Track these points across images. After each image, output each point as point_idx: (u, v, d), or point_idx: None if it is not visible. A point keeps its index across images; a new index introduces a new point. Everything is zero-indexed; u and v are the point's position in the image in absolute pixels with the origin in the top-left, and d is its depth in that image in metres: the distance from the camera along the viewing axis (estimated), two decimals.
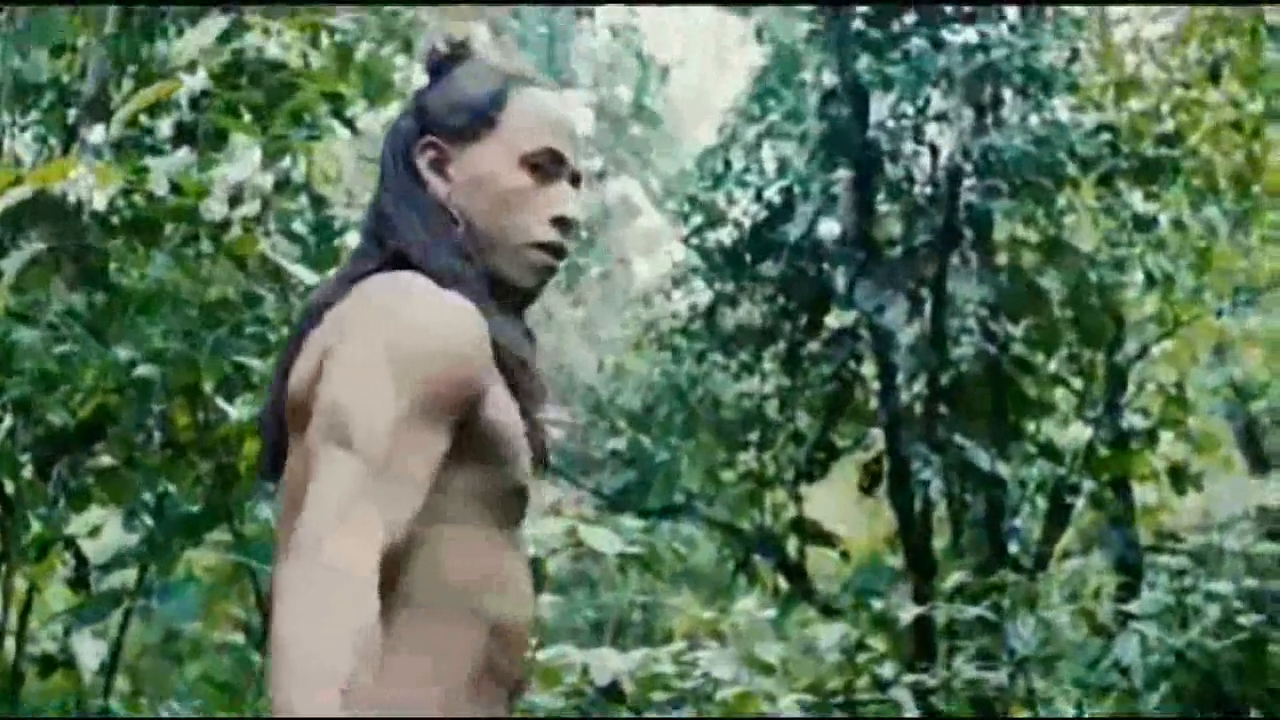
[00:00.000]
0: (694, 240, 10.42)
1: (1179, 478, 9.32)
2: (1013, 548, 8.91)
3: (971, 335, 9.09)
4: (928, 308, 9.20)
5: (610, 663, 5.35)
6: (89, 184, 3.47)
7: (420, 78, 1.85)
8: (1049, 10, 9.28)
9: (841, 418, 10.03)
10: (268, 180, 3.77)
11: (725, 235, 10.21)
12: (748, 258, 10.01)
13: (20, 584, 3.92)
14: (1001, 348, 9.06)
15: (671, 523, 10.37)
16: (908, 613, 6.85)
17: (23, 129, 4.84)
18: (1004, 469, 8.75)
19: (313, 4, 4.71)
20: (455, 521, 1.57)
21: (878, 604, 6.81)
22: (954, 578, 7.04)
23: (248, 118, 4.11)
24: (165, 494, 3.90)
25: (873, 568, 10.61)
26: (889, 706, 5.96)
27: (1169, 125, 8.96)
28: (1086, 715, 6.46)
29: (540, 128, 1.72)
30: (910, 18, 9.08)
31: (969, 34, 8.91)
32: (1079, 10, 9.56)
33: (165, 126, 4.46)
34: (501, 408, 1.60)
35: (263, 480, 1.70)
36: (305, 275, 3.70)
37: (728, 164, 10.18)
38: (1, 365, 3.60)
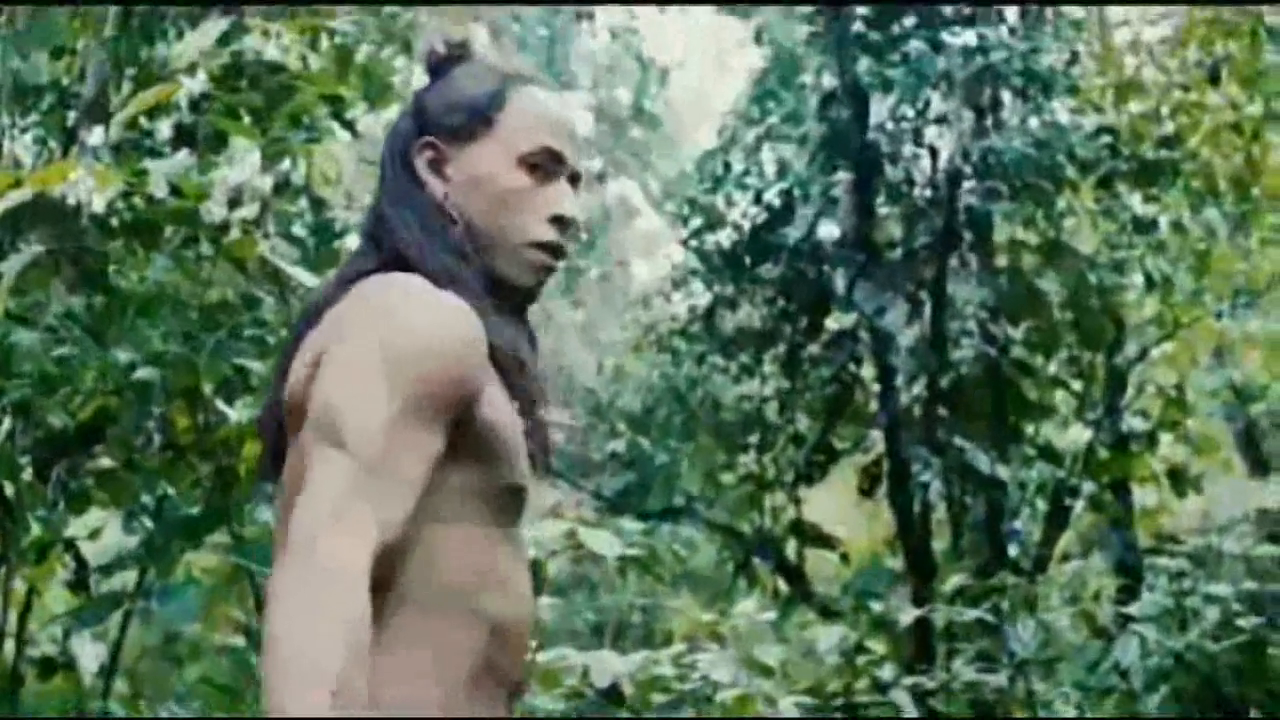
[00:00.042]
0: (693, 242, 10.42)
1: (1178, 480, 9.32)
2: (1012, 550, 8.90)
3: (971, 337, 9.09)
4: (927, 310, 9.20)
5: (610, 665, 5.34)
6: (88, 186, 3.47)
7: (420, 79, 1.85)
8: (1049, 13, 9.28)
9: (841, 420, 10.03)
10: (267, 183, 3.76)
11: (725, 237, 10.22)
12: (747, 260, 10.01)
13: (20, 586, 3.92)
14: (1001, 350, 9.06)
15: (671, 525, 10.36)
16: (907, 615, 6.86)
17: (22, 131, 4.84)
18: (1004, 471, 8.74)
19: (314, 4, 4.71)
20: (452, 521, 1.57)
21: (877, 606, 6.82)
22: (953, 580, 7.05)
23: (247, 120, 4.11)
24: (165, 496, 3.90)
25: (872, 570, 10.61)
26: (888, 709, 5.96)
27: (1168, 128, 8.96)
28: (1086, 718, 6.46)
29: (538, 127, 1.72)
30: (910, 20, 9.09)
31: (968, 36, 8.91)
32: (1078, 13, 9.56)
33: (165, 129, 4.46)
34: (498, 407, 1.60)
35: (263, 481, 1.71)
36: (305, 277, 3.70)
37: (727, 166, 10.19)
38: (1, 368, 3.60)
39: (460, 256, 1.67)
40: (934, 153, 9.38)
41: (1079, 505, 9.29)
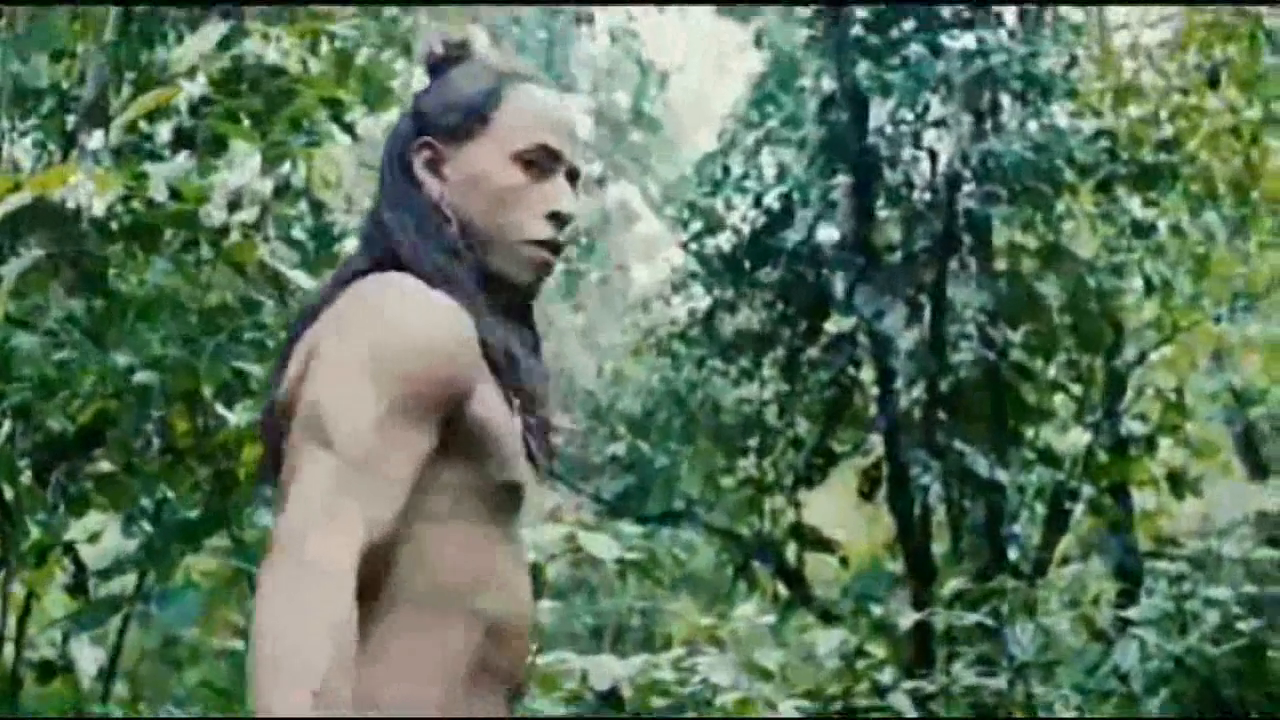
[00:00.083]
0: (693, 246, 10.42)
1: (1178, 483, 9.32)
2: (1012, 553, 8.90)
3: (970, 341, 9.09)
4: (927, 313, 9.21)
5: (609, 669, 5.35)
6: (88, 190, 3.47)
7: (420, 82, 1.86)
8: (1048, 16, 9.29)
9: (840, 423, 10.03)
10: (267, 186, 3.76)
11: (724, 241, 10.22)
12: (747, 263, 10.01)
13: (19, 590, 3.92)
14: (1000, 353, 9.06)
15: (671, 528, 10.36)
16: (907, 619, 6.85)
17: (22, 134, 4.84)
18: (1003, 475, 8.74)
19: (314, 4, 4.71)
20: (446, 519, 1.57)
21: (877, 610, 6.81)
22: (953, 584, 7.04)
23: (247, 124, 4.11)
24: (164, 500, 3.90)
25: (872, 573, 10.60)
26: (888, 712, 5.96)
27: (1167, 131, 8.97)
28: None
29: (534, 124, 1.72)
30: (909, 24, 9.09)
31: (968, 40, 8.92)
32: (1077, 16, 9.58)
33: (165, 132, 4.46)
34: (490, 406, 1.61)
35: (264, 483, 1.72)
36: (305, 281, 3.70)
37: (727, 170, 10.19)
38: (0, 371, 3.60)
39: (454, 256, 1.67)
40: (933, 156, 9.39)
41: (1078, 509, 9.29)
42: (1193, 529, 9.56)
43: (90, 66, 4.47)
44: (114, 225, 3.77)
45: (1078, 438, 9.53)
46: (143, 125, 4.31)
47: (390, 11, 5.99)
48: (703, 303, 10.45)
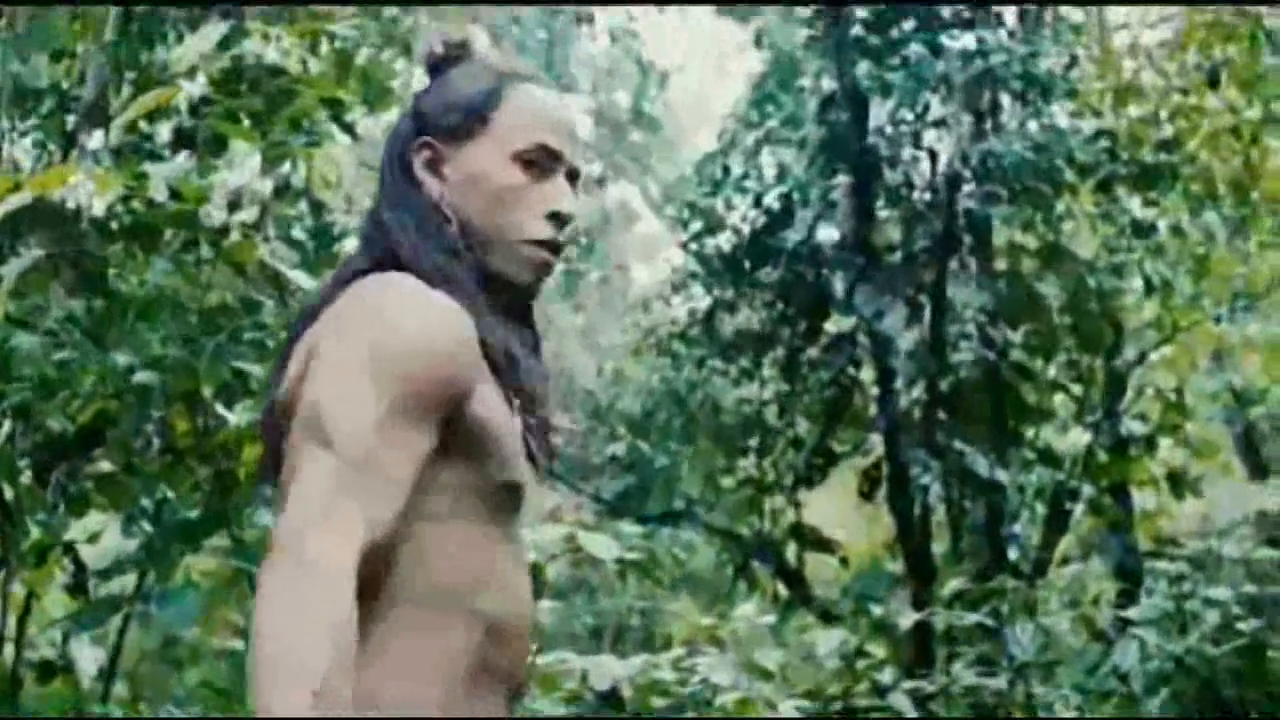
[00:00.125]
0: (693, 246, 10.42)
1: (1178, 483, 9.32)
2: (1012, 554, 8.90)
3: (970, 341, 9.09)
4: (927, 313, 9.21)
5: (609, 669, 5.35)
6: (88, 190, 3.47)
7: (420, 82, 1.86)
8: (1048, 16, 9.29)
9: (840, 423, 10.03)
10: (267, 186, 3.76)
11: (724, 241, 10.22)
12: (747, 263, 10.01)
13: (19, 590, 3.92)
14: (1000, 353, 9.06)
15: (671, 528, 10.36)
16: (907, 619, 6.85)
17: (22, 134, 4.84)
18: (1003, 475, 8.74)
19: (314, 3, 4.71)
20: (446, 519, 1.58)
21: (877, 610, 6.81)
22: (953, 584, 7.04)
23: (247, 123, 4.11)
24: (164, 500, 3.90)
25: (872, 573, 10.60)
26: (888, 712, 5.96)
27: (1167, 131, 8.97)
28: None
29: (534, 124, 1.72)
30: (909, 24, 9.09)
31: (968, 40, 8.92)
32: (1077, 16, 9.58)
33: (165, 132, 4.46)
34: (490, 405, 1.61)
35: (264, 483, 1.72)
36: (305, 281, 3.70)
37: (727, 170, 10.19)
38: (0, 371, 3.60)
39: (454, 255, 1.68)
40: (933, 156, 9.39)
41: (1078, 509, 9.29)
42: (1193, 529, 9.56)
43: (90, 66, 4.47)
44: (114, 225, 3.77)
45: (1078, 438, 9.53)
46: (143, 125, 4.31)
47: (390, 12, 5.99)
48: (703, 303, 10.45)
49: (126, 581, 3.93)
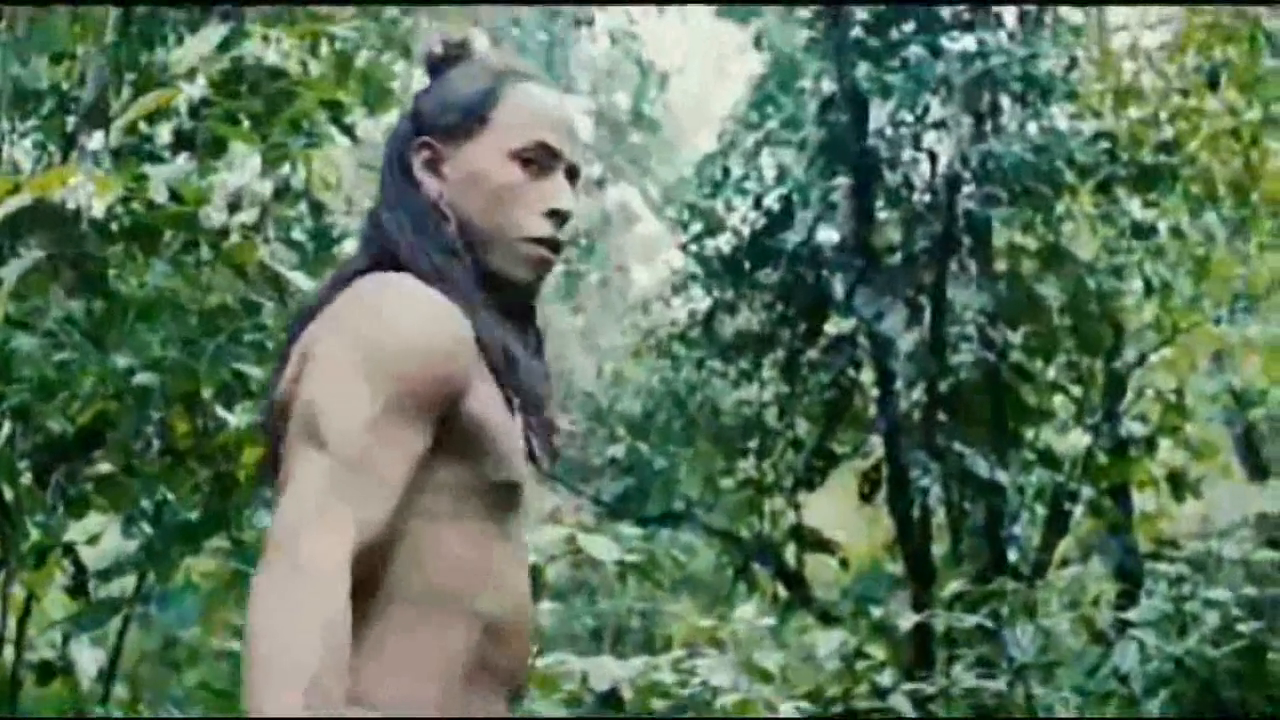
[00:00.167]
0: (693, 247, 10.42)
1: (1178, 485, 9.32)
2: (1012, 555, 8.90)
3: (970, 342, 9.09)
4: (927, 315, 9.21)
5: (609, 670, 5.35)
6: (88, 191, 3.48)
7: (420, 84, 1.86)
8: (1047, 18, 9.29)
9: (840, 425, 10.03)
10: (267, 187, 3.77)
11: (724, 242, 10.22)
12: (747, 265, 10.01)
13: (19, 591, 3.92)
14: (1000, 355, 9.06)
15: (670, 530, 10.36)
16: (907, 620, 6.85)
17: (22, 136, 4.84)
18: (1003, 476, 8.74)
19: (315, 4, 4.72)
20: (442, 518, 1.57)
21: (877, 611, 6.81)
22: (953, 585, 7.04)
23: (247, 125, 4.11)
24: (164, 501, 3.90)
25: (872, 575, 10.61)
26: (888, 714, 5.96)
27: (1167, 133, 8.97)
28: None
29: (532, 122, 1.72)
30: (909, 26, 9.10)
31: (967, 42, 8.92)
32: (1077, 18, 9.58)
33: (164, 134, 4.47)
34: (487, 404, 1.60)
35: (265, 483, 1.72)
36: (304, 282, 3.70)
37: (727, 171, 10.19)
38: (1, 372, 3.60)
39: (452, 255, 1.67)
40: (933, 158, 9.39)
41: (1078, 510, 9.29)
42: (1193, 530, 9.56)
43: (90, 68, 4.47)
44: (114, 227, 3.77)
45: (1077, 439, 9.53)
46: (143, 127, 4.31)
47: (390, 13, 6.00)
48: (702, 304, 10.44)
49: (126, 583, 3.93)
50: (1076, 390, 9.55)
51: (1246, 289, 9.38)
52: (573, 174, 1.76)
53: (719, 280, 10.22)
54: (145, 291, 3.80)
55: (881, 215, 9.61)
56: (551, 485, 10.71)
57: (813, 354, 9.97)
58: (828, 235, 9.61)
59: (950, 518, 9.17)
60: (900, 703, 5.95)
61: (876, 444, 9.61)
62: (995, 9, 9.18)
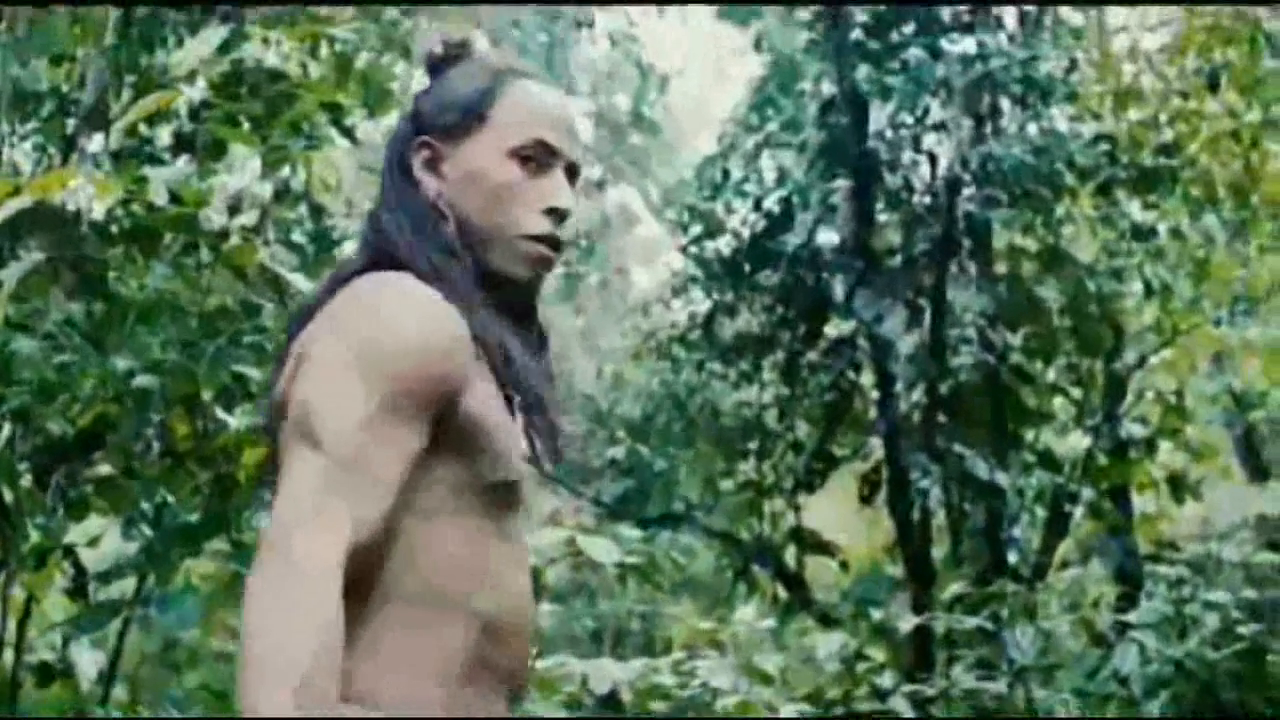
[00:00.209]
0: (693, 249, 10.41)
1: (1178, 487, 9.32)
2: (1012, 557, 8.90)
3: (970, 344, 9.09)
4: (926, 317, 9.20)
5: (609, 672, 5.35)
6: (88, 194, 3.48)
7: (420, 85, 1.86)
8: (1047, 20, 9.29)
9: (840, 427, 10.02)
10: (267, 190, 3.77)
11: (724, 244, 10.22)
12: (746, 267, 10.01)
13: (19, 593, 3.92)
14: (1000, 357, 9.06)
15: (670, 532, 10.34)
16: (906, 622, 6.86)
17: (22, 138, 4.84)
18: (1003, 478, 8.74)
19: (315, 3, 4.72)
20: (438, 516, 1.57)
21: (877, 614, 6.82)
22: (953, 587, 7.04)
23: (247, 127, 4.11)
24: (164, 503, 3.90)
25: (872, 577, 10.60)
26: (888, 716, 5.96)
27: (1167, 135, 8.97)
28: None
29: (531, 120, 1.72)
30: (909, 28, 9.10)
31: (967, 44, 8.92)
32: (1077, 20, 9.58)
33: (164, 136, 4.47)
34: (484, 403, 1.60)
35: (266, 485, 1.73)
36: (304, 284, 3.70)
37: (726, 173, 10.19)
38: (1, 374, 3.60)
39: (451, 254, 1.67)
40: (933, 160, 9.39)
41: (1078, 512, 9.29)
42: (1193, 532, 9.56)
43: (90, 70, 4.48)
44: (114, 229, 3.77)
45: (1077, 441, 9.53)
46: (143, 129, 4.31)
47: (390, 15, 6.00)
48: (702, 306, 10.44)
49: (126, 585, 3.93)
50: (1076, 392, 9.55)
51: (1246, 291, 9.38)
52: (572, 172, 1.76)
53: (719, 282, 10.22)
54: (145, 294, 3.80)
55: (881, 217, 9.61)
56: (552, 487, 10.71)
57: (813, 356, 9.97)
58: (828, 237, 9.60)
59: (950, 520, 9.16)
60: (900, 705, 5.95)
61: (876, 446, 9.60)
62: (995, 11, 9.19)
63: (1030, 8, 9.26)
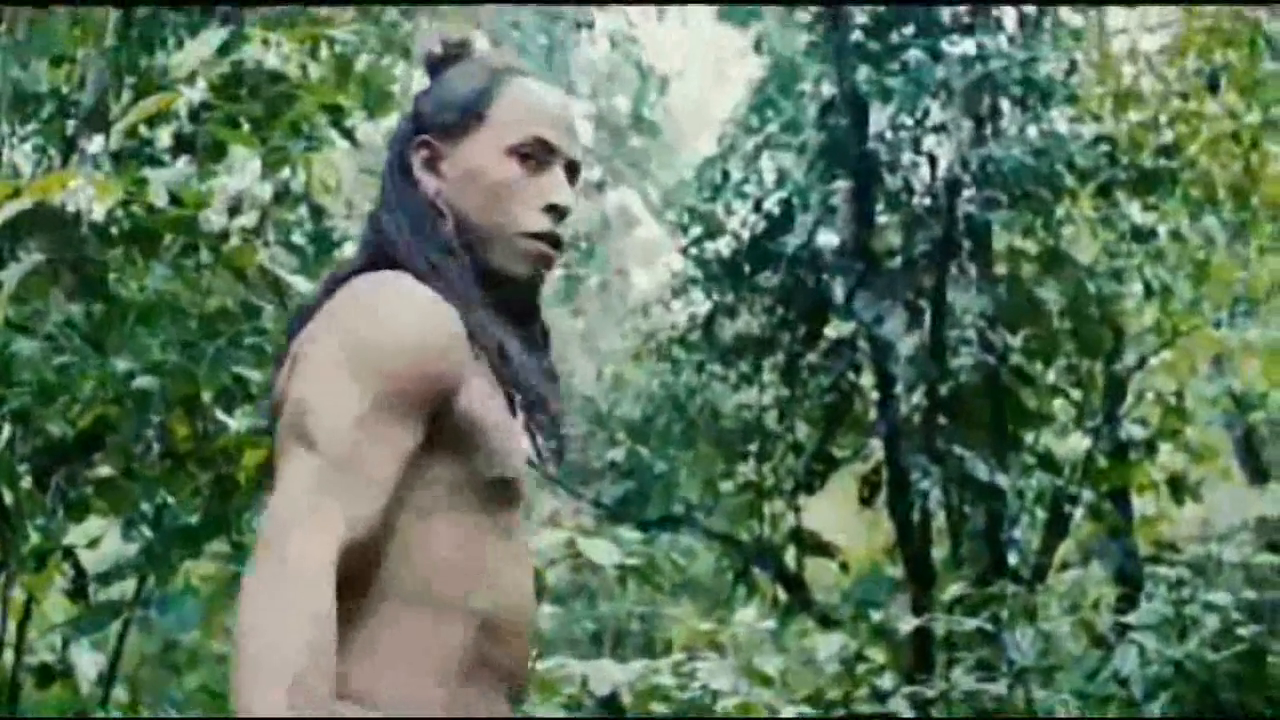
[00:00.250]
0: (693, 251, 10.41)
1: (1178, 488, 9.32)
2: (1012, 559, 8.90)
3: (970, 346, 9.09)
4: (926, 318, 9.20)
5: (609, 674, 5.35)
6: (88, 195, 3.48)
7: (419, 87, 1.86)
8: (1047, 21, 9.30)
9: (840, 428, 10.02)
10: (267, 191, 3.78)
11: (724, 246, 10.22)
12: (746, 268, 10.01)
13: (19, 594, 3.92)
14: (1000, 358, 9.06)
15: (670, 534, 10.35)
16: (906, 624, 6.86)
17: (22, 140, 4.84)
18: (1003, 480, 8.74)
19: (315, 4, 4.72)
20: (434, 514, 1.57)
21: (877, 615, 6.82)
22: (953, 589, 7.04)
23: (247, 129, 4.11)
24: (164, 505, 3.90)
25: (872, 579, 10.59)
26: (888, 717, 5.96)
27: (1167, 136, 8.97)
28: None
29: (529, 118, 1.72)
30: (909, 29, 9.10)
31: (967, 45, 8.93)
32: (1077, 21, 9.58)
33: (164, 137, 4.47)
34: (481, 401, 1.60)
35: (267, 485, 1.72)
36: (304, 286, 3.70)
37: (726, 175, 10.19)
38: (1, 376, 3.60)
39: (448, 253, 1.67)
40: (933, 161, 9.39)
41: (1078, 514, 9.29)
42: (1193, 534, 9.56)
43: (90, 71, 4.48)
44: (114, 230, 3.78)
45: (1077, 443, 9.53)
46: (143, 130, 4.31)
47: (390, 16, 6.00)
48: (702, 308, 10.44)
49: (126, 586, 3.93)
50: (1076, 394, 9.55)
51: (1246, 292, 9.38)
52: (572, 170, 1.76)
53: (719, 284, 10.22)
54: (145, 295, 3.80)
55: (881, 219, 9.61)
56: (551, 488, 10.71)
57: (813, 357, 9.97)
58: (828, 239, 9.60)
59: (950, 521, 9.16)
60: (900, 706, 5.95)
61: (876, 447, 9.60)
62: (995, 12, 9.19)
63: (1030, 9, 9.26)
